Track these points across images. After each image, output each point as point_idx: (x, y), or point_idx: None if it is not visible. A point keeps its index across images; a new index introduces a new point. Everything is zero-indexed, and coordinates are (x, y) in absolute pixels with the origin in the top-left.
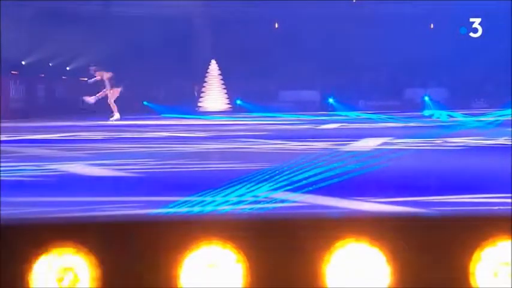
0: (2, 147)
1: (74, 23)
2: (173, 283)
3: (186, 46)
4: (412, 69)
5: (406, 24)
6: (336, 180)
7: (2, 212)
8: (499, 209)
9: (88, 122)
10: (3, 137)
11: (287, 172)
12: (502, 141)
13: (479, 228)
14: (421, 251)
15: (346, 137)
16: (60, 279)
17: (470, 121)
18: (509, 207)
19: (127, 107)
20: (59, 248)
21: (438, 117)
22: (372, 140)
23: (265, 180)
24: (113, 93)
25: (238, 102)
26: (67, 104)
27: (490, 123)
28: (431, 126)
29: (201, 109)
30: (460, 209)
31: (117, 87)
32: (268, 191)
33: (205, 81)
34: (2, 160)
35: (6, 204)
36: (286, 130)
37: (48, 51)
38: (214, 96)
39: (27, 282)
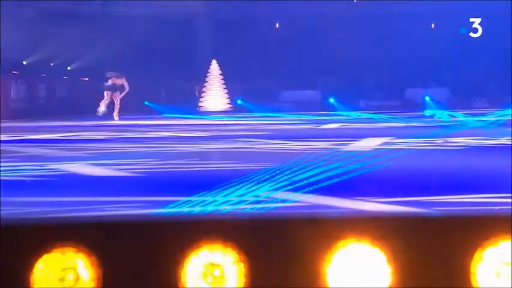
0: (2, 147)
1: (74, 23)
2: (174, 283)
3: (187, 46)
4: (412, 69)
5: (407, 24)
6: (336, 180)
7: (2, 212)
8: (500, 209)
9: (89, 122)
10: (4, 137)
11: (288, 172)
12: (503, 141)
13: (481, 228)
14: (422, 251)
15: (347, 137)
16: (61, 279)
17: (472, 121)
18: (510, 207)
19: (128, 107)
20: (60, 248)
21: (440, 117)
22: (373, 140)
23: (266, 180)
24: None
25: (239, 102)
26: (68, 104)
27: (492, 123)
28: (432, 126)
29: (202, 109)
30: (461, 209)
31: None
32: (269, 191)
33: (206, 81)
34: (2, 160)
35: (7, 204)
36: (287, 130)
37: (49, 51)
38: (215, 96)
39: (28, 282)
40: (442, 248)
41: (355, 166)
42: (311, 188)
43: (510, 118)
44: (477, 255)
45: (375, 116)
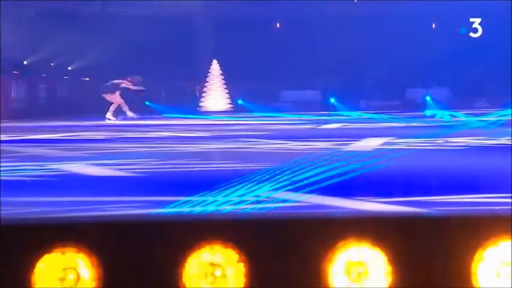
0: (3, 147)
1: (75, 23)
2: (175, 283)
3: (188, 46)
4: (413, 69)
5: (407, 24)
6: (337, 180)
7: (2, 212)
8: (501, 209)
9: (89, 122)
10: (5, 137)
11: (288, 172)
12: (503, 141)
13: (481, 228)
14: (422, 251)
15: (348, 137)
16: (62, 279)
17: (473, 121)
18: (511, 207)
19: (128, 107)
20: (61, 248)
21: (441, 117)
22: (373, 140)
23: (267, 180)
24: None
25: (240, 102)
26: (68, 104)
27: (493, 123)
28: (433, 126)
29: (202, 109)
30: (462, 209)
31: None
32: (269, 191)
33: (207, 81)
34: (3, 160)
35: (7, 204)
36: (287, 130)
37: (50, 51)
38: (215, 96)
39: (29, 283)
40: (442, 248)
41: (356, 166)
42: (311, 188)
43: (510, 118)
44: (477, 255)
45: (376, 116)
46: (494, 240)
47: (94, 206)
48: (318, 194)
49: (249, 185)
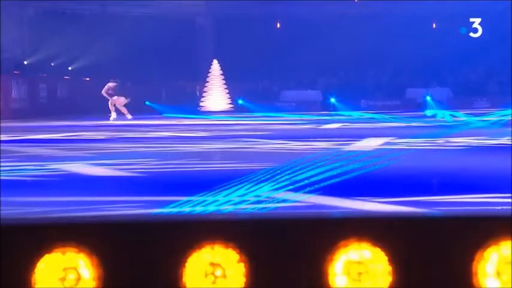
0: (3, 147)
1: (75, 23)
2: (175, 283)
3: (188, 46)
4: (413, 69)
5: (408, 24)
6: (337, 180)
7: (2, 212)
8: (502, 208)
9: (89, 122)
10: (5, 137)
11: (289, 172)
12: (504, 141)
13: (482, 228)
14: (423, 251)
15: (348, 137)
16: (63, 279)
17: (474, 121)
18: (511, 207)
19: (129, 107)
20: (61, 248)
21: (443, 117)
22: (374, 140)
23: (267, 180)
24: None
25: (240, 102)
26: (68, 104)
27: (494, 123)
28: (434, 126)
29: (203, 109)
30: (463, 208)
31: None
32: (270, 190)
33: (207, 81)
34: (3, 160)
35: (7, 204)
36: (288, 130)
37: (50, 51)
38: (216, 96)
39: (30, 283)
40: (442, 248)
41: (356, 166)
42: (312, 188)
43: (510, 118)
44: (478, 255)
45: (377, 116)
46: (495, 240)
47: (94, 206)
48: (318, 194)
49: (250, 185)
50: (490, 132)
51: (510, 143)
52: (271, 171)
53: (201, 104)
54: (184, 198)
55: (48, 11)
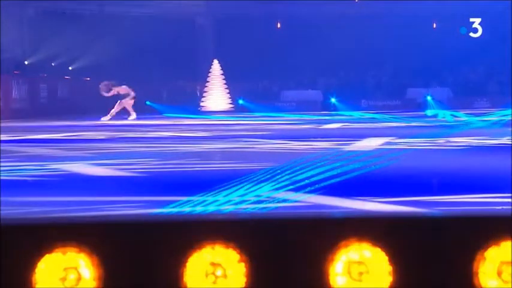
0: (3, 147)
1: (75, 23)
2: (176, 283)
3: (188, 46)
4: (414, 69)
5: (408, 24)
6: (338, 180)
7: (2, 212)
8: (502, 208)
9: (90, 121)
10: (5, 137)
11: (289, 172)
12: (504, 141)
13: (482, 228)
14: (423, 251)
15: (349, 137)
16: (63, 279)
17: (474, 121)
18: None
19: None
20: (62, 248)
21: (443, 117)
22: (374, 140)
23: (268, 180)
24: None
25: (241, 101)
26: (69, 103)
27: (495, 123)
28: (435, 126)
29: (203, 109)
30: (463, 208)
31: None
32: (270, 190)
33: (208, 81)
34: (3, 160)
35: (7, 204)
36: (288, 130)
37: (51, 51)
38: (216, 96)
39: (30, 282)
40: (443, 248)
41: (356, 166)
42: (312, 188)
43: (511, 118)
44: (478, 255)
45: (378, 116)
46: (495, 240)
47: (95, 206)
48: (318, 194)
49: (250, 185)
50: (490, 132)
51: (510, 142)
52: (271, 171)
53: (202, 104)
54: (185, 198)
55: (48, 11)
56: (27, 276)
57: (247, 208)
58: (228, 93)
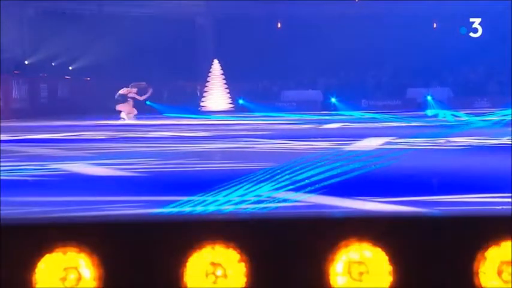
0: (3, 147)
1: (75, 23)
2: (176, 283)
3: (189, 46)
4: (414, 68)
5: (408, 24)
6: (338, 179)
7: (2, 212)
8: (502, 208)
9: (90, 121)
10: (5, 137)
11: (289, 172)
12: (505, 140)
13: (483, 227)
14: (423, 251)
15: (349, 137)
16: (63, 279)
17: (475, 121)
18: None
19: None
20: (62, 247)
21: (444, 117)
22: (375, 140)
23: (268, 179)
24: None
25: (241, 101)
26: (69, 103)
27: (496, 122)
28: (435, 126)
29: (203, 109)
30: (463, 208)
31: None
32: (270, 190)
33: (208, 81)
34: (3, 160)
35: (7, 204)
36: (288, 130)
37: (51, 50)
38: (216, 96)
39: (30, 282)
40: (443, 248)
41: (357, 166)
42: (312, 188)
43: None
44: (479, 255)
45: (378, 116)
46: (496, 240)
47: (95, 206)
48: (318, 194)
49: (250, 185)
50: (490, 132)
51: (510, 142)
52: (271, 171)
53: (202, 103)
54: (185, 198)
55: (48, 11)
56: (27, 276)
57: (247, 208)
58: (228, 93)
